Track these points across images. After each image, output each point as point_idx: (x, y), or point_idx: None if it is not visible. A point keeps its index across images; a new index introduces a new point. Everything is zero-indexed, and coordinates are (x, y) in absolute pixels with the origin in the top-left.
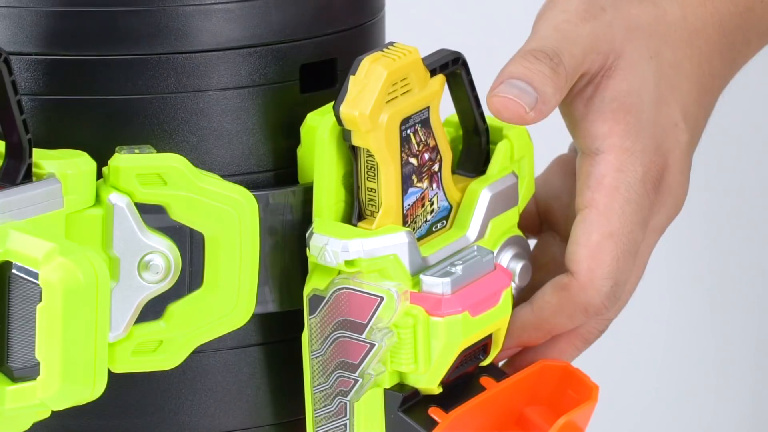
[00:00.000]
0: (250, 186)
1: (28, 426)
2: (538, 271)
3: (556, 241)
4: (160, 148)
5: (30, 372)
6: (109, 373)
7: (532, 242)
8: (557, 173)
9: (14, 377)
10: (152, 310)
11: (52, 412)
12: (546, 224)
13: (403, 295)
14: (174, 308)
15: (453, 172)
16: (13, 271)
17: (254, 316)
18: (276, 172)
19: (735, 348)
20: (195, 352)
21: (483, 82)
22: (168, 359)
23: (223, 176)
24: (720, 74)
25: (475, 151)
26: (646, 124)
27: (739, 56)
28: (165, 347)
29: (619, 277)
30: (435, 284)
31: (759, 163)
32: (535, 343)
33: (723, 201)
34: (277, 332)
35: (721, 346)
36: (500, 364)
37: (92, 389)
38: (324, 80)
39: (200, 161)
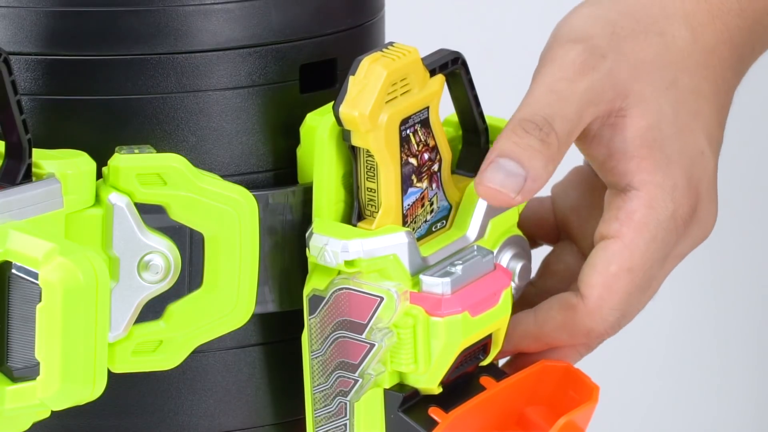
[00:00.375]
0: (250, 186)
1: (27, 426)
2: (549, 276)
3: (572, 250)
4: (159, 148)
5: (30, 372)
6: (109, 373)
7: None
8: (575, 185)
9: (14, 377)
10: (152, 310)
11: (52, 412)
12: (564, 234)
13: (403, 296)
14: (174, 308)
15: (453, 172)
16: (13, 271)
17: (254, 316)
18: (276, 172)
19: (737, 348)
20: (195, 352)
21: (483, 81)
22: (168, 359)
23: (223, 176)
24: (731, 87)
25: (474, 150)
26: (673, 157)
27: (745, 66)
28: (165, 347)
29: (627, 309)
30: (435, 284)
31: (760, 162)
32: (533, 351)
33: (724, 201)
34: (277, 332)
35: (723, 346)
36: (500, 363)
37: (92, 389)
38: (324, 80)
39: (200, 161)
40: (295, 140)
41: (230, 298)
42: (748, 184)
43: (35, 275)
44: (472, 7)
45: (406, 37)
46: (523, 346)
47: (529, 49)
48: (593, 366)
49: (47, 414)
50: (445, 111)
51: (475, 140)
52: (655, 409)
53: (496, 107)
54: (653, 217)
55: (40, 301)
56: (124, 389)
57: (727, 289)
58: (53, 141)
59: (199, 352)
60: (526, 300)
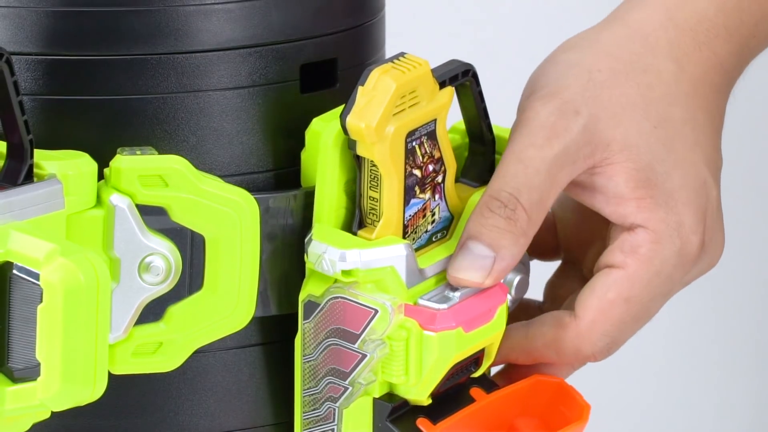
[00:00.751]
0: (251, 186)
1: (28, 426)
2: (553, 301)
3: (577, 275)
4: (160, 148)
5: (30, 373)
6: (109, 373)
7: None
8: (574, 210)
9: (14, 378)
10: (152, 311)
11: (52, 412)
12: (567, 256)
13: (398, 309)
14: (174, 310)
15: (457, 180)
16: (14, 271)
17: (254, 317)
18: (276, 173)
19: (736, 352)
20: (195, 352)
21: (484, 83)
22: (168, 361)
23: (223, 176)
24: (723, 108)
25: (479, 160)
26: (674, 193)
27: (733, 85)
28: (165, 349)
29: (618, 337)
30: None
31: (759, 163)
32: (522, 363)
33: (724, 202)
34: (277, 332)
35: (722, 347)
36: (492, 373)
37: (92, 390)
38: (324, 80)
39: (200, 161)
40: (296, 140)
41: (230, 300)
42: (749, 184)
43: (36, 276)
44: (473, 7)
45: (406, 37)
46: (512, 357)
47: (530, 50)
48: (592, 366)
49: (47, 414)
50: (452, 118)
51: (480, 150)
52: (655, 409)
53: (500, 112)
54: (659, 253)
55: (41, 301)
56: (124, 389)
57: (727, 288)
58: (54, 141)
59: (199, 353)
60: (516, 310)
